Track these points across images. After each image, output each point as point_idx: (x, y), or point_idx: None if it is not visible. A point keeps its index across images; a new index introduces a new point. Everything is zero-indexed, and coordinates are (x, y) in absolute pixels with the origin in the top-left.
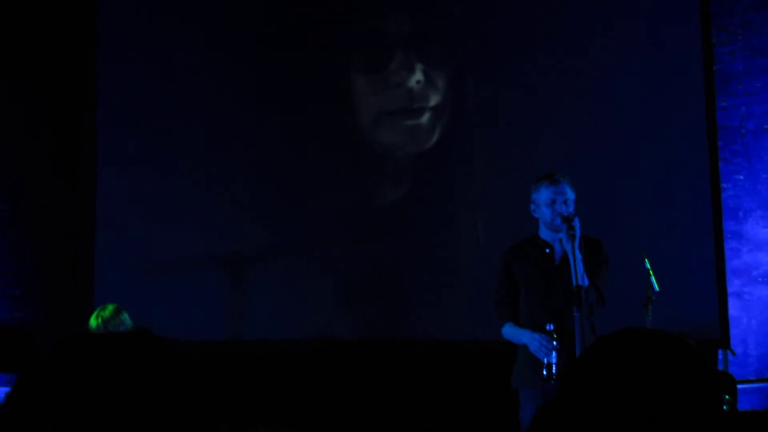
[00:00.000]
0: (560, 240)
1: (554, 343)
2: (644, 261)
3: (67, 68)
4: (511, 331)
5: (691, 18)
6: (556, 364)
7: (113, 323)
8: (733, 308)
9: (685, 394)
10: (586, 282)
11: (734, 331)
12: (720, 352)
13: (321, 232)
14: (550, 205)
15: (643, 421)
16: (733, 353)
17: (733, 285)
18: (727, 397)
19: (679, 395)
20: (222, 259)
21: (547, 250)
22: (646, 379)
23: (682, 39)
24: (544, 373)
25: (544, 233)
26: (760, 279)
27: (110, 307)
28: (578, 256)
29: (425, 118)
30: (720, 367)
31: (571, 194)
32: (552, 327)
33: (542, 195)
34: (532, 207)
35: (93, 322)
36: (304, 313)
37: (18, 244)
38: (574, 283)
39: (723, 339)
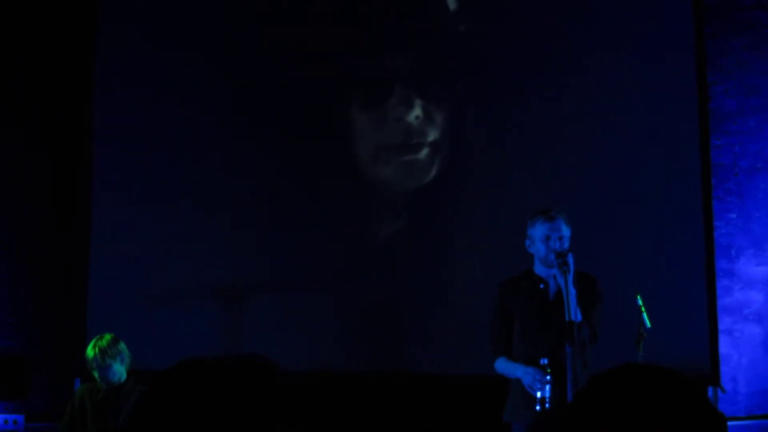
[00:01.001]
0: (554, 276)
1: (548, 377)
2: (636, 298)
3: (65, 95)
4: (504, 366)
5: (686, 57)
6: (550, 399)
7: (110, 353)
8: (724, 346)
9: (684, 428)
10: (579, 318)
11: (724, 369)
12: (710, 389)
13: (318, 265)
14: (545, 241)
15: None
16: (723, 390)
17: (724, 323)
18: None
19: (678, 429)
20: (218, 290)
21: (542, 286)
22: (644, 416)
23: (677, 77)
24: (537, 407)
25: (539, 269)
26: (750, 317)
27: (107, 337)
28: (571, 291)
29: (423, 153)
30: None
31: (566, 231)
32: (546, 361)
33: (537, 231)
34: (528, 242)
35: (90, 352)
36: (300, 346)
37: (12, 273)
38: (567, 317)
39: (713, 376)
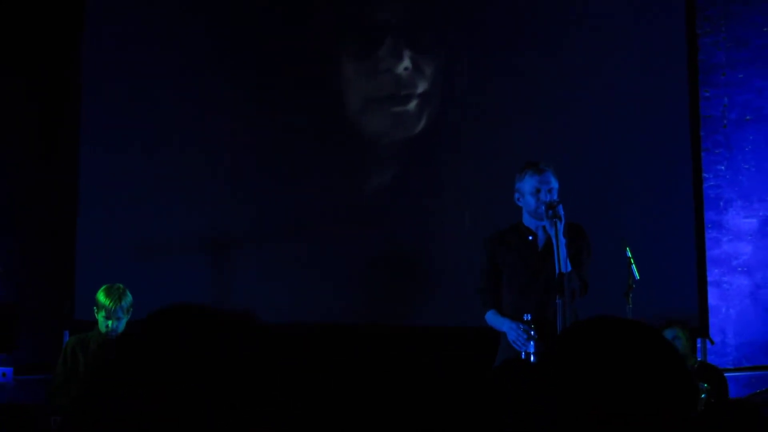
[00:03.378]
0: (543, 227)
1: (532, 332)
2: (625, 250)
3: (51, 51)
4: (493, 319)
5: (675, 9)
6: (534, 354)
7: (127, 308)
8: (713, 297)
9: (657, 384)
10: (569, 268)
11: (713, 320)
12: (699, 340)
13: (307, 216)
14: (535, 194)
15: (614, 411)
16: (712, 342)
17: (712, 274)
18: (705, 385)
19: (650, 386)
20: (205, 240)
21: (530, 237)
22: (616, 368)
23: (667, 29)
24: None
25: (528, 221)
26: (739, 269)
27: (122, 288)
28: (562, 241)
29: (412, 105)
30: (699, 356)
31: (555, 183)
32: (530, 317)
33: (527, 184)
34: (516, 196)
35: (109, 302)
36: (290, 297)
37: (0, 224)
38: (557, 269)
39: (702, 328)
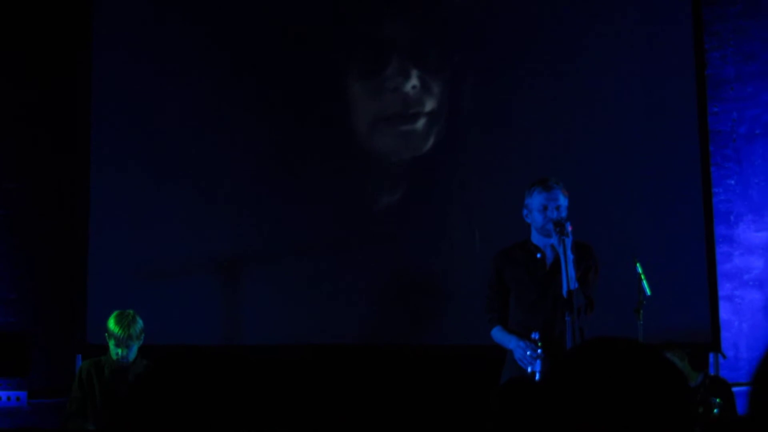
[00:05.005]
0: (552, 245)
1: (539, 351)
2: (636, 265)
3: (63, 72)
4: (499, 336)
5: (683, 23)
6: (540, 372)
7: (137, 334)
8: (724, 312)
9: (656, 405)
10: (576, 285)
11: (725, 335)
12: (711, 355)
13: (315, 236)
14: (542, 211)
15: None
16: (724, 356)
17: (724, 289)
18: (718, 400)
19: (650, 406)
20: (216, 262)
21: (538, 255)
22: (616, 390)
23: (675, 44)
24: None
25: (536, 238)
26: (750, 282)
27: (132, 314)
28: (570, 257)
29: (420, 123)
30: (711, 371)
31: (563, 201)
32: (537, 336)
33: (535, 200)
34: (525, 212)
35: (118, 330)
36: (299, 317)
37: (14, 249)
38: (565, 286)
39: (714, 342)
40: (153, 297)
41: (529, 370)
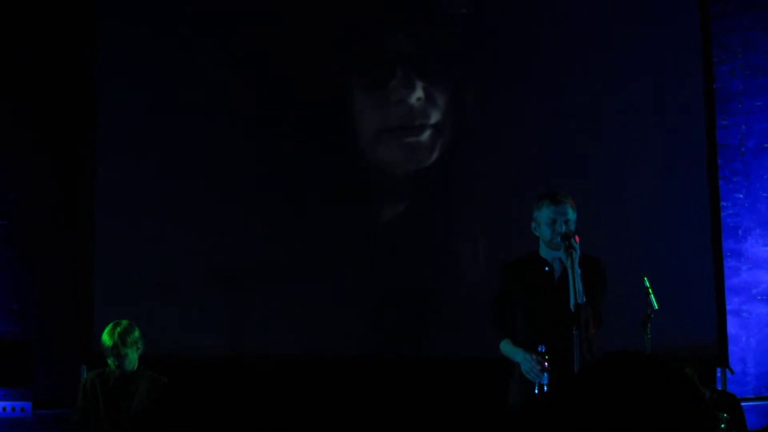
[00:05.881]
0: (560, 259)
1: (546, 364)
2: (643, 279)
3: (67, 81)
4: (507, 349)
5: (692, 37)
6: (548, 385)
7: (129, 341)
8: (732, 326)
9: (673, 419)
10: (584, 299)
11: (733, 349)
12: (719, 370)
13: (320, 247)
14: (551, 225)
15: None
16: (732, 371)
17: (732, 303)
18: (725, 415)
19: (667, 421)
20: (223, 274)
21: (546, 269)
22: (633, 405)
23: (683, 57)
24: (536, 392)
25: (544, 251)
26: (759, 297)
27: (125, 323)
28: (577, 271)
29: (425, 135)
30: (719, 386)
31: (572, 214)
32: (544, 349)
33: (543, 214)
34: (533, 225)
35: (108, 340)
36: (303, 329)
37: (18, 259)
38: (572, 299)
39: (722, 357)
40: (158, 307)
41: (537, 382)
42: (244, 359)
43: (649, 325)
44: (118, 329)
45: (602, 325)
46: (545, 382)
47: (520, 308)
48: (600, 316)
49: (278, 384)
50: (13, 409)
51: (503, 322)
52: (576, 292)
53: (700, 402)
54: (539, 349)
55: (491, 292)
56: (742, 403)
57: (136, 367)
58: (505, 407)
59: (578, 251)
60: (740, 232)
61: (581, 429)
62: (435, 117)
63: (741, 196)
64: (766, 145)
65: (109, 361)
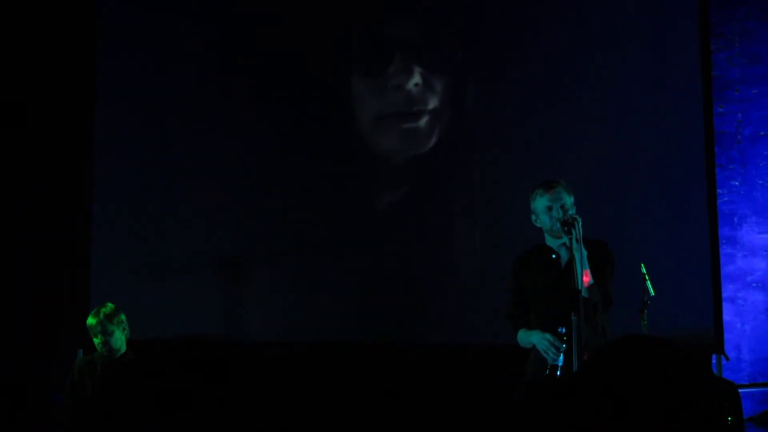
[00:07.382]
0: (565, 245)
1: (564, 346)
2: (640, 266)
3: (66, 74)
4: (523, 336)
5: (689, 25)
6: (561, 368)
7: (114, 320)
8: (727, 313)
9: (686, 401)
10: (592, 281)
11: (728, 336)
12: (714, 356)
13: (318, 234)
14: (548, 212)
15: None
16: (727, 358)
17: (727, 290)
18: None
19: (679, 402)
20: (221, 261)
21: (553, 256)
22: (647, 386)
23: (681, 46)
24: (547, 372)
25: (549, 241)
26: (754, 284)
27: (110, 305)
28: (584, 253)
29: (423, 121)
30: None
31: (567, 199)
32: (564, 330)
33: (539, 203)
34: (533, 218)
35: (92, 320)
36: (301, 315)
37: (14, 244)
38: (579, 279)
39: (717, 344)
40: (155, 294)
41: (551, 362)
42: (241, 346)
43: (645, 311)
44: (104, 309)
45: (612, 306)
46: (560, 363)
47: (532, 299)
48: (610, 297)
49: (274, 370)
50: None
51: (517, 314)
52: (579, 277)
53: (715, 383)
54: (559, 330)
55: (489, 279)
56: (738, 389)
57: (123, 350)
58: (492, 396)
59: (580, 230)
60: (736, 220)
61: (599, 408)
62: (433, 103)
63: (737, 183)
64: (762, 133)
65: (96, 342)
